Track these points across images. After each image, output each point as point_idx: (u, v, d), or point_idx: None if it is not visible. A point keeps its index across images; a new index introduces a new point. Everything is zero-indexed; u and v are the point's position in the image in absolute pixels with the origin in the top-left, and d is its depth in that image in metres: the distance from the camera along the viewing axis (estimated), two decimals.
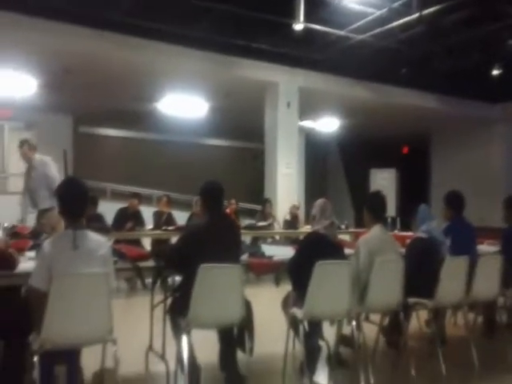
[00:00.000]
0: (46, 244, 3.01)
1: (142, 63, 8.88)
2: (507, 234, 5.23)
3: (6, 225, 4.73)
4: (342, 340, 4.13)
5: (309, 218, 4.14)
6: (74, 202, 3.14)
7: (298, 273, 3.80)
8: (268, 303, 5.43)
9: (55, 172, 6.14)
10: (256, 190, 11.83)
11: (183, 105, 10.96)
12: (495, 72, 9.93)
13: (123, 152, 14.37)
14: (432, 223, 4.58)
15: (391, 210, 11.77)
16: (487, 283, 4.46)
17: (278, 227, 9.37)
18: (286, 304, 3.97)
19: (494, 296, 4.59)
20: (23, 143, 6.29)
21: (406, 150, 16.52)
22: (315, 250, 3.78)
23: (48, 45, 7.97)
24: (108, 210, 7.81)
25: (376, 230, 4.19)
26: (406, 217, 5.28)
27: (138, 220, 7.86)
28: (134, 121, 13.45)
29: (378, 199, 4.37)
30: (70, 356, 3.13)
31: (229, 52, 9.10)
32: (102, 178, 12.52)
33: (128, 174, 13.41)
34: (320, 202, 4.07)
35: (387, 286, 3.92)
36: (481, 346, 4.34)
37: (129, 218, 7.75)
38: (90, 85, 10.11)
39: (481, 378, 4.00)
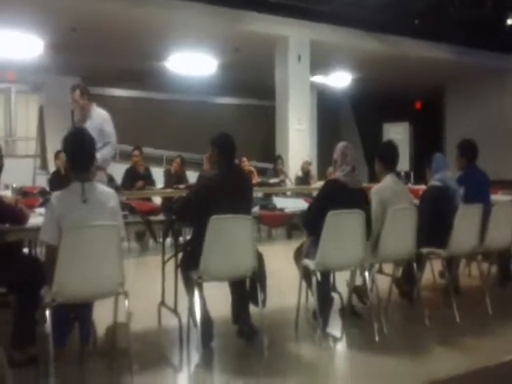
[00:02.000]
0: (55, 198, 2.99)
1: (149, 20, 8.69)
2: None
3: (14, 185, 4.75)
4: (356, 293, 4.12)
5: (327, 169, 4.04)
6: (81, 153, 3.10)
7: (316, 220, 3.64)
8: (280, 258, 5.45)
9: (112, 129, 5.66)
10: (267, 147, 11.73)
11: (192, 62, 10.77)
12: (510, 21, 9.63)
13: (132, 112, 14.23)
14: (446, 172, 4.51)
15: (404, 163, 11.65)
16: (501, 232, 4.41)
17: (290, 184, 9.32)
18: (298, 256, 3.94)
19: (507, 244, 4.53)
20: (75, 88, 5.74)
21: (419, 104, 16.22)
22: (335, 197, 3.68)
23: (54, 3, 7.80)
24: (117, 171, 7.74)
25: (388, 180, 4.11)
26: (420, 170, 5.20)
27: (147, 179, 7.83)
28: (142, 80, 13.28)
29: (390, 148, 4.28)
30: (82, 309, 3.17)
31: (237, 6, 8.86)
32: None
33: (137, 135, 13.33)
34: (341, 145, 3.92)
35: (400, 236, 3.87)
36: (495, 295, 4.32)
37: (139, 177, 7.72)
38: (97, 44, 9.95)
39: (495, 326, 3.98)
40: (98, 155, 5.51)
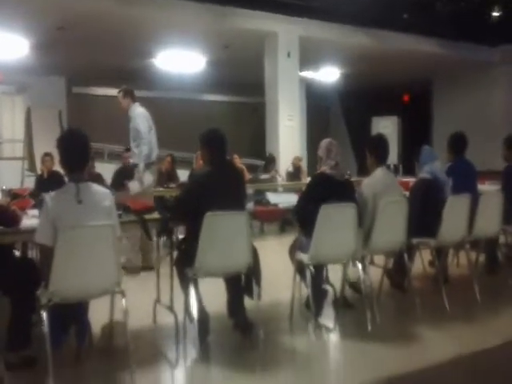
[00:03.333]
0: (49, 199, 2.97)
1: (136, 18, 8.67)
2: (507, 172, 5.29)
3: (4, 187, 4.75)
4: (351, 286, 4.20)
5: (316, 163, 4.10)
6: (76, 153, 3.11)
7: (306, 214, 3.75)
8: (273, 252, 5.54)
9: (142, 126, 5.71)
10: (257, 144, 11.77)
11: (180, 60, 10.76)
12: (495, 14, 9.74)
13: (120, 111, 14.22)
14: (435, 164, 4.60)
15: (393, 157, 11.76)
16: (488, 221, 4.50)
17: (281, 180, 9.37)
18: (292, 250, 4.00)
19: (495, 233, 4.63)
20: (119, 91, 5.98)
21: (407, 97, 16.34)
22: (323, 190, 3.77)
23: (40, 2, 7.75)
24: (106, 171, 7.74)
25: (379, 173, 4.18)
26: (408, 163, 5.30)
27: None
28: (129, 78, 13.16)
29: (381, 142, 4.34)
30: (78, 309, 3.19)
31: (225, 2, 8.86)
32: (98, 139, 12.35)
33: (126, 134, 13.30)
34: (325, 142, 4.02)
35: (391, 228, 3.94)
36: (483, 283, 4.42)
37: (128, 177, 7.68)
38: (83, 42, 9.90)
39: (484, 312, 4.08)
40: (136, 151, 5.74)
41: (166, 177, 8.24)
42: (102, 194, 3.13)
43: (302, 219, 3.92)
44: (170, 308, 3.69)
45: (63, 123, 11.42)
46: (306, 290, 3.84)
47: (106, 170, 7.85)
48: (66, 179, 3.18)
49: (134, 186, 5.72)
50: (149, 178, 5.81)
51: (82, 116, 12.85)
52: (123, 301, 2.96)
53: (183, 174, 8.68)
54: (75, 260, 2.87)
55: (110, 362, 3.22)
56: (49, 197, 2.99)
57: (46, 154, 7.26)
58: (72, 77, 13.04)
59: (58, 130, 8.19)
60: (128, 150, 8.10)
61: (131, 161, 6.08)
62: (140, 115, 5.74)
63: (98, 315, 3.31)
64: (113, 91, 14.29)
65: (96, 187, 3.15)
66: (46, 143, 7.48)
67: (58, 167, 4.66)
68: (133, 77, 12.92)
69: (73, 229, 2.89)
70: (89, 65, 11.77)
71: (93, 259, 2.93)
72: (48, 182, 6.57)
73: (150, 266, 5.38)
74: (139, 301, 3.77)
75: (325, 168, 3.90)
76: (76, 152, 3.12)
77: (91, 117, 13.37)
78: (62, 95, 12.86)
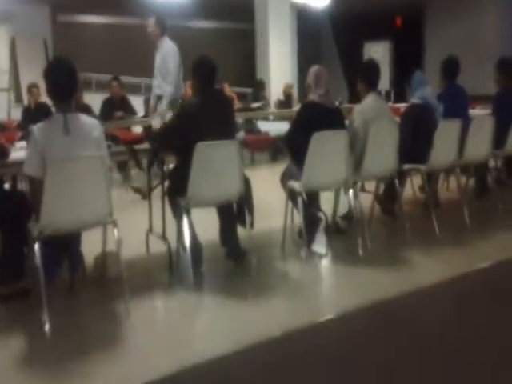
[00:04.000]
0: (37, 130, 2.92)
1: None
2: (498, 97, 5.28)
3: None
4: (343, 218, 4.24)
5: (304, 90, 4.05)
6: (63, 83, 3.02)
7: (297, 142, 3.76)
8: (265, 182, 5.53)
9: (172, 64, 5.62)
10: (248, 72, 11.50)
11: None
12: None
13: (106, 39, 13.73)
14: (426, 89, 4.55)
15: (385, 82, 11.58)
16: (479, 145, 4.51)
17: (272, 108, 9.24)
18: (284, 178, 3.99)
19: (485, 157, 4.64)
20: (150, 15, 5.86)
21: (399, 21, 15.89)
22: (312, 118, 3.74)
23: None
24: (95, 101, 7.56)
25: (370, 99, 4.14)
26: (400, 89, 5.23)
27: (126, 108, 7.63)
28: (114, 5, 12.69)
29: (372, 68, 4.27)
30: (70, 241, 3.20)
31: None
32: (85, 69, 11.95)
33: (113, 63, 12.88)
34: (314, 69, 3.95)
35: (382, 153, 3.94)
36: (473, 207, 4.48)
37: (116, 107, 7.52)
38: None
39: (473, 236, 4.15)
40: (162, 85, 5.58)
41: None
42: (90, 124, 3.08)
43: (293, 148, 3.92)
44: (163, 237, 3.72)
45: (49, 53, 11.06)
46: (298, 218, 3.86)
47: (94, 100, 7.65)
48: (54, 110, 3.10)
49: (156, 121, 5.42)
50: (170, 115, 5.53)
51: (68, 45, 12.36)
52: (115, 231, 2.97)
53: None
54: (65, 192, 2.85)
55: (103, 292, 3.27)
56: (36, 128, 2.94)
57: (33, 85, 7.06)
58: (56, 5, 12.46)
59: (44, 60, 7.90)
60: (116, 78, 7.90)
61: (157, 92, 5.89)
62: (171, 51, 5.64)
63: (90, 246, 3.33)
64: (99, 19, 13.89)
65: (84, 118, 3.09)
66: (32, 74, 7.26)
67: (45, 98, 4.56)
68: (119, 3, 12.40)
69: (62, 160, 2.86)
70: None
71: (83, 190, 2.91)
72: (35, 113, 6.43)
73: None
74: (132, 231, 3.78)
75: (314, 96, 3.86)
76: (63, 81, 3.03)
77: (77, 46, 12.90)
78: (46, 24, 12.36)
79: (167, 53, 5.63)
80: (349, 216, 4.19)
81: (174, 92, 5.63)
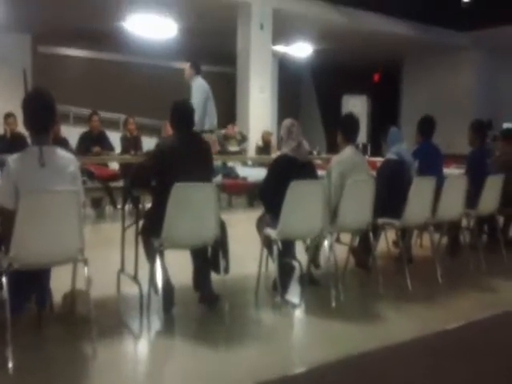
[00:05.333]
0: (11, 161, 2.88)
1: None
2: (472, 156, 5.40)
3: None
4: (313, 261, 4.23)
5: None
6: (41, 114, 3.00)
7: (270, 196, 3.82)
8: (241, 226, 5.50)
9: (195, 98, 6.13)
10: (228, 115, 11.62)
11: (151, 25, 10.43)
12: (465, 0, 9.86)
13: (87, 73, 13.75)
14: (402, 145, 4.65)
15: (362, 136, 11.85)
16: (452, 203, 4.58)
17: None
18: (260, 224, 3.99)
19: (458, 216, 4.72)
20: (188, 62, 6.65)
21: (377, 77, 16.44)
22: (285, 172, 3.78)
23: None
24: (72, 135, 7.49)
25: (348, 151, 4.21)
26: (377, 142, 5.34)
27: (104, 143, 7.58)
28: (98, 40, 12.80)
29: (351, 120, 4.38)
30: (39, 276, 3.10)
31: None
32: (64, 101, 11.95)
33: (92, 98, 12.89)
34: (286, 122, 4.04)
35: (358, 206, 3.98)
36: (445, 265, 4.53)
37: (94, 142, 7.47)
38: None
39: (444, 293, 4.17)
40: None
41: (133, 141, 8.00)
42: (66, 158, 3.04)
43: (267, 201, 3.96)
44: (135, 278, 3.63)
45: (28, 83, 10.96)
46: (272, 265, 3.84)
47: (72, 133, 7.58)
48: (30, 141, 3.06)
49: None
50: None
51: (48, 76, 12.35)
52: (86, 269, 2.90)
53: (151, 142, 8.48)
54: (37, 225, 2.79)
55: (71, 330, 3.17)
56: (11, 159, 2.90)
57: (9, 115, 6.98)
58: (38, 35, 12.49)
59: (22, 89, 7.84)
60: (96, 113, 7.89)
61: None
62: (198, 88, 6.32)
63: (60, 283, 3.23)
64: (80, 52, 13.94)
65: (60, 151, 3.05)
66: (9, 102, 7.19)
67: (21, 128, 4.51)
68: (102, 38, 12.51)
69: (36, 193, 2.82)
70: (56, 24, 11.31)
71: (55, 225, 2.85)
72: (11, 144, 6.35)
73: None
74: (103, 269, 3.69)
75: (286, 149, 3.92)
76: (41, 113, 3.01)
77: (57, 78, 12.90)
78: (26, 54, 12.35)
79: (195, 89, 6.30)
80: (316, 262, 4.19)
81: (198, 122, 5.94)
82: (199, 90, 6.33)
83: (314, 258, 4.26)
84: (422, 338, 3.24)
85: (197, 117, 5.84)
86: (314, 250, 4.16)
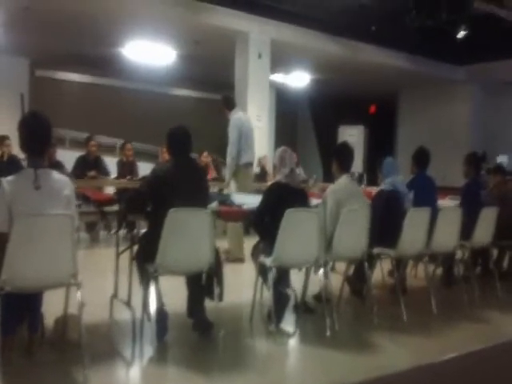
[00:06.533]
0: (6, 183, 2.87)
1: (106, 3, 8.46)
2: (466, 188, 5.44)
3: None
4: (315, 298, 4.22)
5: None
6: (37, 137, 3.01)
7: (264, 224, 3.83)
8: None
9: (231, 133, 6.29)
10: (226, 142, 11.70)
11: (149, 51, 10.59)
12: (461, 33, 10.04)
13: (85, 98, 13.83)
14: (396, 176, 4.68)
15: (358, 166, 11.95)
16: (447, 235, 4.59)
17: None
18: (255, 252, 3.98)
19: (452, 248, 4.72)
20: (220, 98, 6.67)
21: (373, 108, 16.65)
22: (278, 199, 3.80)
23: None
24: (67, 158, 7.52)
25: (344, 180, 4.24)
26: (373, 172, 5.38)
27: (100, 168, 7.61)
28: (96, 66, 12.91)
29: (345, 149, 4.43)
30: (31, 299, 3.07)
31: None
32: (60, 125, 11.95)
33: (89, 122, 12.96)
34: (279, 150, 4.10)
35: (353, 235, 3.98)
36: (439, 296, 4.52)
37: (90, 166, 7.49)
38: (49, 25, 9.54)
39: (439, 324, 4.15)
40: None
41: (129, 166, 8.03)
42: (61, 181, 3.04)
43: (260, 228, 3.96)
44: (128, 304, 3.60)
45: (25, 107, 11.04)
46: (267, 293, 3.81)
47: (67, 157, 7.60)
48: (26, 164, 3.06)
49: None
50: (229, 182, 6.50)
51: (45, 100, 12.42)
52: (78, 293, 2.87)
53: (148, 168, 8.49)
54: (30, 248, 2.77)
55: (62, 355, 3.12)
56: (6, 181, 2.89)
57: (5, 137, 7.01)
58: (36, 59, 12.60)
59: (19, 113, 7.89)
60: (92, 138, 7.93)
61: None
62: (232, 123, 6.36)
63: (52, 307, 3.20)
64: (78, 77, 14.05)
65: (55, 175, 3.05)
66: (6, 126, 7.22)
67: (17, 151, 4.53)
68: (100, 64, 12.63)
69: (30, 216, 2.81)
70: (54, 48, 11.41)
71: (49, 248, 2.84)
72: (6, 166, 6.35)
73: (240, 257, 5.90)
74: (96, 294, 3.66)
75: (280, 177, 3.95)
76: (37, 136, 3.02)
77: (54, 102, 12.94)
78: (24, 77, 12.42)
79: (231, 124, 6.36)
80: (320, 298, 4.17)
81: (232, 157, 6.32)
82: (232, 125, 6.39)
83: (316, 295, 4.23)
84: (417, 369, 3.21)
85: (232, 152, 6.29)
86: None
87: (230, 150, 6.31)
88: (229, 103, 6.56)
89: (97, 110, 13.58)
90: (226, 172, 6.57)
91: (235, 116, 6.42)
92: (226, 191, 6.52)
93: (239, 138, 6.31)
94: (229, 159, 6.36)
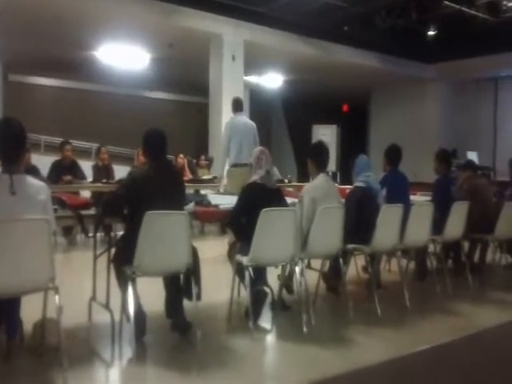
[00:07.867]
0: None
1: (79, 6, 8.43)
2: (437, 184, 5.55)
3: None
4: (286, 287, 4.28)
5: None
6: (11, 143, 3.01)
7: (240, 223, 3.88)
8: (213, 253, 5.53)
9: (223, 135, 6.62)
10: (201, 144, 11.74)
11: (123, 54, 10.57)
12: (430, 33, 10.26)
13: (59, 103, 13.73)
14: (369, 173, 4.76)
15: (332, 164, 12.08)
16: (419, 230, 4.70)
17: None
18: (231, 252, 4.03)
19: (424, 242, 4.84)
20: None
21: (346, 107, 16.86)
22: (254, 199, 3.85)
23: None
24: (42, 163, 7.44)
25: (320, 179, 4.31)
26: (346, 170, 5.47)
27: (76, 172, 7.56)
28: (70, 69, 12.82)
29: (321, 149, 4.48)
30: (9, 305, 3.07)
31: (171, 0, 8.80)
32: (34, 130, 11.86)
33: (64, 126, 12.86)
34: (255, 151, 4.16)
35: (328, 233, 4.06)
36: (413, 289, 4.64)
37: (66, 171, 7.44)
38: (22, 29, 9.51)
39: (412, 317, 4.26)
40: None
41: (105, 170, 8.01)
42: (37, 186, 3.04)
43: (237, 228, 4.02)
44: (106, 306, 3.62)
45: None
46: (244, 292, 3.86)
47: (42, 162, 7.53)
48: (0, 170, 3.06)
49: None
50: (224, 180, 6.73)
51: (18, 105, 12.30)
52: (57, 297, 2.88)
53: (123, 171, 8.47)
54: (7, 254, 2.77)
55: (41, 360, 3.12)
56: None
57: None
58: (9, 64, 12.45)
59: None
60: (68, 142, 7.87)
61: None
62: (225, 125, 6.70)
63: (30, 312, 3.20)
64: (52, 81, 13.93)
65: (31, 180, 3.05)
66: None
67: None
68: (73, 68, 12.54)
69: (6, 221, 2.80)
70: (27, 52, 11.31)
71: (26, 253, 2.83)
72: None
73: None
74: (74, 298, 3.66)
75: (256, 177, 4.00)
76: (11, 142, 3.02)
77: (28, 106, 12.84)
78: None
79: (224, 125, 6.75)
80: (289, 287, 4.24)
81: (222, 159, 6.66)
82: (224, 126, 6.71)
83: (287, 284, 4.31)
84: (391, 361, 3.30)
85: (221, 151, 6.56)
86: (286, 276, 4.21)
87: (222, 150, 6.62)
88: (233, 106, 6.82)
89: (71, 114, 13.49)
90: (220, 170, 6.92)
91: (230, 120, 6.70)
92: (221, 189, 6.82)
93: (229, 138, 6.48)
94: (220, 157, 6.77)
